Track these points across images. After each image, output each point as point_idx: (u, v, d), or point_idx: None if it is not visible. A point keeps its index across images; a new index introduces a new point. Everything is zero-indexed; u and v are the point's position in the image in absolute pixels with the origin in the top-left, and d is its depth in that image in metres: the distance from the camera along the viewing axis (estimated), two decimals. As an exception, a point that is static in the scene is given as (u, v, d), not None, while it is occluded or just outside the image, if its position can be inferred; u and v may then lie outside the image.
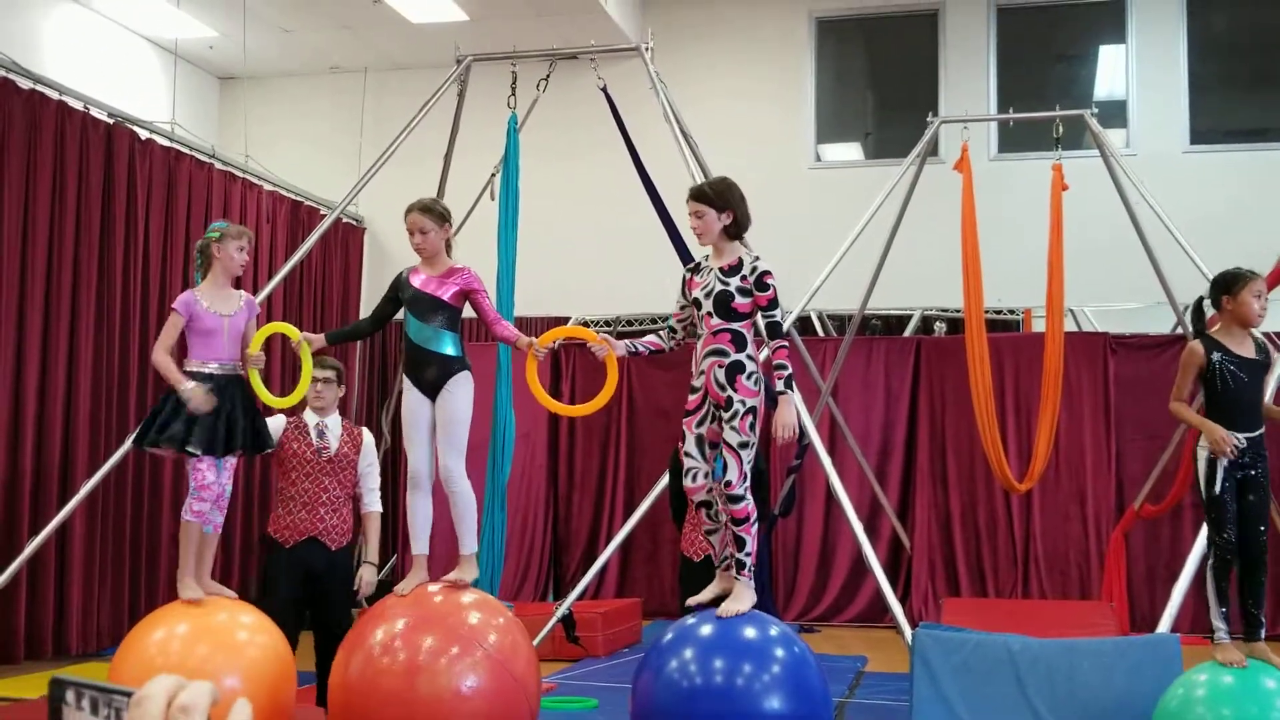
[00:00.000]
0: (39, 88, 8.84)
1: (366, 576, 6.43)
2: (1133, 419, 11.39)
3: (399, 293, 5.46)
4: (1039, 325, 12.33)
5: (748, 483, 4.91)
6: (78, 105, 9.17)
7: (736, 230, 5.06)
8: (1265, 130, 11.93)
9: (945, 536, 11.67)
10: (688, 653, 4.81)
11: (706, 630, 4.91)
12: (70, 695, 1.06)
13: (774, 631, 4.96)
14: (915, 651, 5.86)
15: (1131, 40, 11.77)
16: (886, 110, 13.33)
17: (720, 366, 4.94)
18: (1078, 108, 10.04)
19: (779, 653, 4.85)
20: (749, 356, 4.94)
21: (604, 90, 8.84)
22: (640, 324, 15.16)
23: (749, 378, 4.91)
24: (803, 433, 8.59)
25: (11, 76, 8.61)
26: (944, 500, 11.71)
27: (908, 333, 13.92)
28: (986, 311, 9.88)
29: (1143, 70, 11.70)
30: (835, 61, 12.68)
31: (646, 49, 8.95)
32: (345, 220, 12.12)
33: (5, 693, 7.56)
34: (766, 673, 4.74)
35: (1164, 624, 6.42)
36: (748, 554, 4.99)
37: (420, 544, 5.37)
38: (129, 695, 1.04)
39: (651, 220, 9.06)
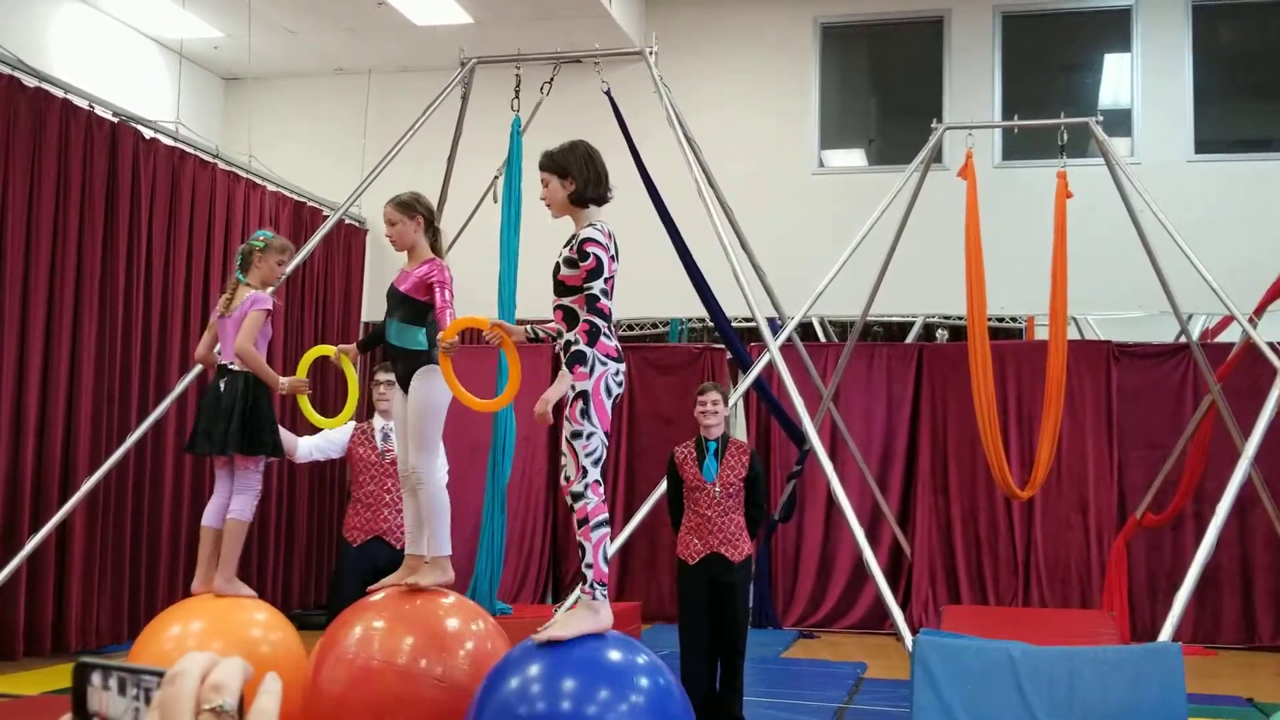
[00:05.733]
0: (44, 86, 8.84)
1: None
2: (1135, 428, 11.37)
3: None
4: (1042, 333, 12.31)
5: (588, 479, 4.39)
6: (83, 104, 9.17)
7: (580, 198, 4.60)
8: (1270, 140, 11.93)
9: (946, 544, 11.65)
10: (533, 670, 4.25)
11: (556, 651, 4.31)
12: (97, 677, 1.06)
13: (640, 659, 4.37)
14: (916, 658, 5.84)
15: (1137, 49, 11.75)
16: (890, 116, 13.32)
17: (564, 350, 4.49)
18: (1082, 116, 10.04)
19: (642, 682, 4.27)
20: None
21: (608, 94, 8.83)
22: (642, 327, 15.18)
23: (582, 362, 4.44)
24: (804, 438, 8.58)
25: (17, 75, 8.61)
26: (945, 507, 11.69)
27: (910, 339, 13.93)
28: (989, 319, 9.87)
29: (1148, 79, 11.68)
30: (839, 67, 12.67)
31: (650, 53, 8.95)
32: (348, 222, 12.11)
33: (4, 689, 7.55)
34: (623, 703, 4.14)
35: (1165, 633, 6.39)
36: (588, 565, 4.39)
37: (415, 544, 5.33)
38: (160, 675, 1.04)
39: (654, 224, 9.05)
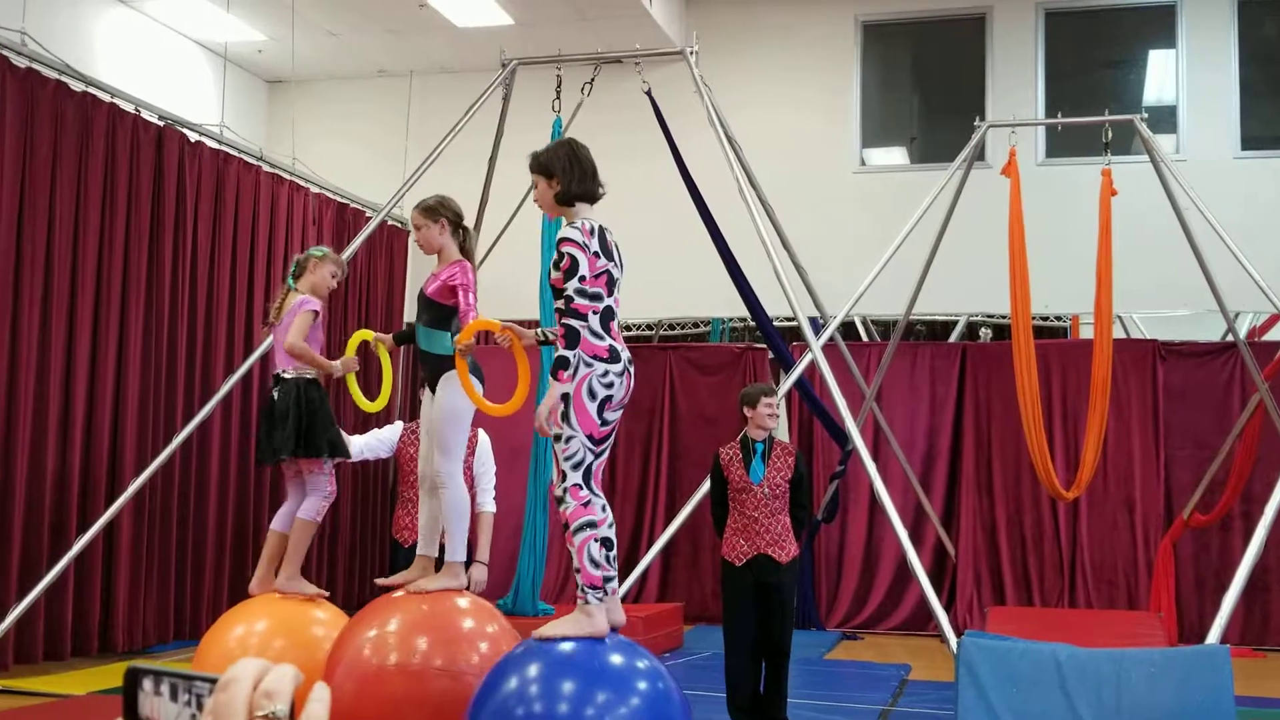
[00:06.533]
0: (91, 90, 8.93)
1: (476, 576, 6.48)
2: (1182, 427, 11.26)
3: None
4: (1087, 332, 12.23)
5: (568, 483, 4.30)
6: (129, 108, 9.26)
7: (566, 197, 4.52)
8: (1318, 136, 11.78)
9: (990, 544, 11.58)
10: (531, 671, 4.17)
11: (555, 652, 4.23)
12: (148, 683, 1.07)
13: (640, 663, 4.29)
14: (960, 660, 5.80)
15: (1182, 45, 11.63)
16: (933, 114, 13.25)
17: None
18: (1127, 113, 9.95)
19: (640, 685, 4.19)
20: None
21: (648, 94, 8.84)
22: (682, 326, 15.17)
23: (564, 367, 4.32)
24: (846, 438, 8.56)
25: (65, 79, 8.70)
26: (989, 508, 11.62)
27: (953, 339, 13.84)
28: (1034, 318, 9.80)
29: (1193, 75, 11.57)
30: (881, 65, 12.62)
31: (691, 53, 8.94)
32: (390, 223, 12.16)
33: (52, 689, 7.63)
34: (622, 706, 4.07)
35: (1213, 635, 6.32)
36: (576, 569, 4.29)
37: (427, 545, 5.31)
38: (212, 682, 1.06)
39: (694, 223, 9.05)
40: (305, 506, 5.72)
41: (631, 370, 4.44)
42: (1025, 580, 11.46)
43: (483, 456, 6.76)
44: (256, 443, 5.89)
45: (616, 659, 4.28)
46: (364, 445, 6.79)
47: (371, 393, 6.23)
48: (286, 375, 5.76)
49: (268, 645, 5.26)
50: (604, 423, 4.35)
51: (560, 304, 4.36)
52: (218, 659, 5.22)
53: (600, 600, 4.29)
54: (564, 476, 4.31)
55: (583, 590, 4.27)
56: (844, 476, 10.66)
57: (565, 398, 4.28)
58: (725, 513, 6.45)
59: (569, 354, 4.26)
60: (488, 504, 6.71)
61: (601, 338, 4.34)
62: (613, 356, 4.35)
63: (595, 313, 4.33)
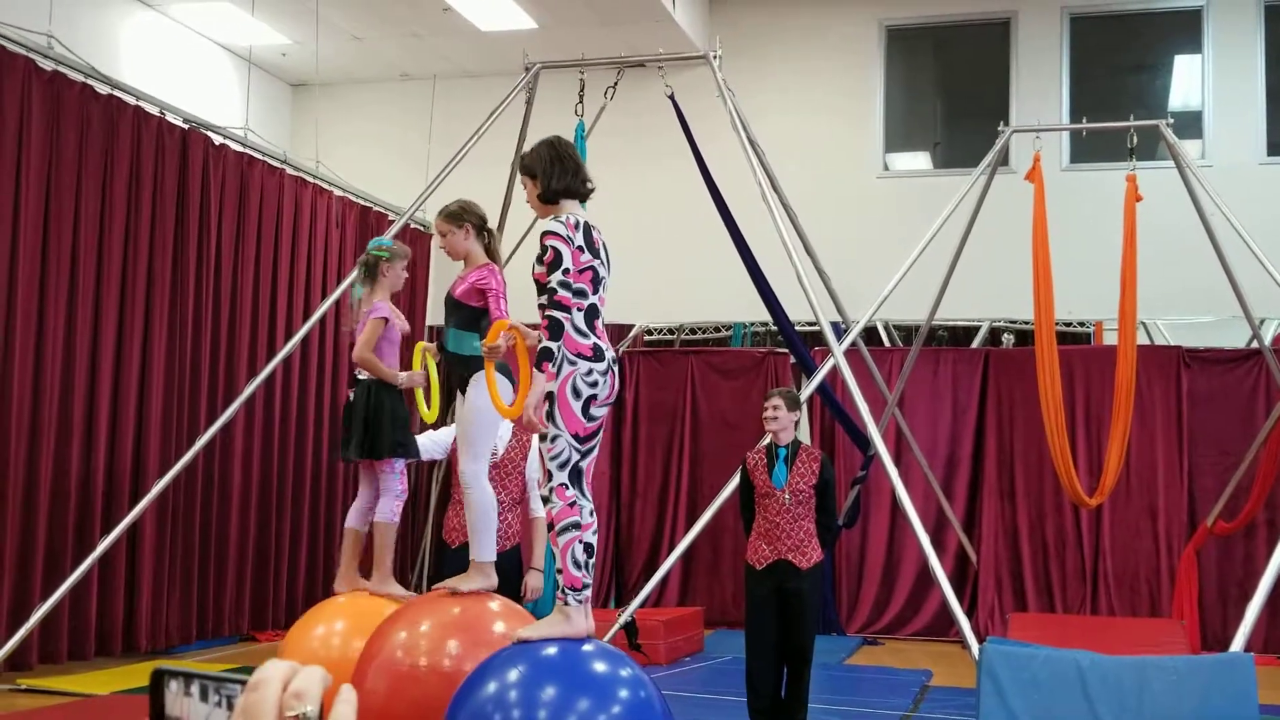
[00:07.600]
0: (116, 93, 8.98)
1: (531, 583, 6.44)
2: (1206, 434, 11.21)
3: None
4: (1110, 338, 12.18)
5: (554, 483, 4.26)
6: (154, 111, 9.31)
7: (550, 195, 4.50)
8: (1344, 141, 11.71)
9: (1012, 551, 11.54)
10: (511, 676, 4.12)
11: (537, 657, 4.20)
12: (175, 683, 1.08)
13: (623, 671, 4.24)
14: (982, 666, 5.78)
15: (1208, 50, 11.58)
16: (956, 119, 13.22)
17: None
18: (1152, 118, 9.91)
19: (622, 694, 4.14)
20: None
21: (671, 98, 8.83)
22: (704, 330, 15.16)
23: (548, 359, 4.26)
24: (868, 443, 8.53)
25: (90, 82, 8.76)
26: (1011, 514, 11.58)
27: (975, 344, 13.80)
28: (1057, 323, 9.76)
29: (1219, 80, 11.51)
30: (905, 70, 12.60)
31: (714, 57, 8.93)
32: (413, 226, 12.19)
33: (76, 688, 7.67)
34: (601, 714, 4.03)
35: (1237, 643, 6.28)
36: (558, 570, 4.27)
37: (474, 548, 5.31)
38: (242, 682, 1.07)
39: (717, 228, 9.04)
40: (380, 509, 5.81)
41: (615, 370, 4.41)
42: (1047, 587, 11.42)
43: (535, 461, 6.74)
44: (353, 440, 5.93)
45: (598, 666, 4.26)
46: (419, 447, 6.77)
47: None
48: (362, 377, 5.84)
49: (348, 645, 5.27)
50: (590, 420, 4.32)
51: (544, 299, 4.32)
52: (300, 658, 5.24)
53: (580, 602, 4.28)
54: (550, 476, 4.28)
55: (563, 591, 4.26)
56: (865, 481, 10.65)
57: (550, 396, 4.25)
58: (753, 516, 6.44)
59: (553, 345, 4.22)
60: (539, 510, 6.67)
61: (586, 335, 4.32)
62: (597, 355, 4.32)
63: (580, 310, 4.31)
